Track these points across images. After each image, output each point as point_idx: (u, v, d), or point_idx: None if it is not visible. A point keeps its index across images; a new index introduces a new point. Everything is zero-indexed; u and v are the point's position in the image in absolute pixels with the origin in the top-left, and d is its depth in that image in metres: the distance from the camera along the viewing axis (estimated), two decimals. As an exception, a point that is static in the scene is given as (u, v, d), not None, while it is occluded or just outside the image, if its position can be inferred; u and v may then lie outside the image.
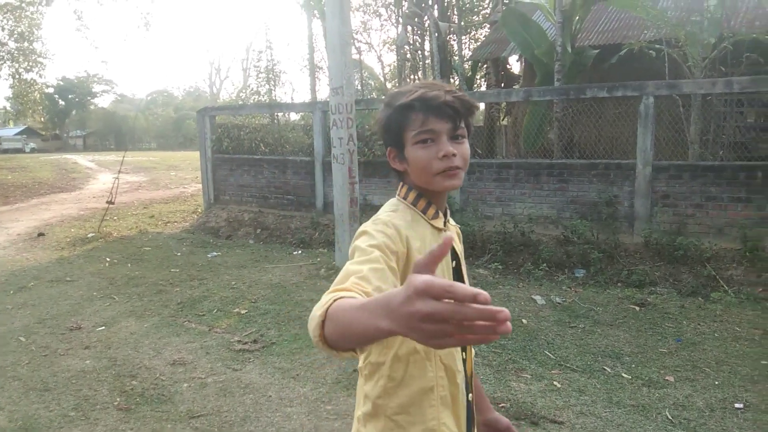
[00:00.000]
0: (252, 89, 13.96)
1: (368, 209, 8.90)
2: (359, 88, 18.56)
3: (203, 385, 3.96)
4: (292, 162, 10.39)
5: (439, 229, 1.32)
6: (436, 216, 1.31)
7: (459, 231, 1.46)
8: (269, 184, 10.76)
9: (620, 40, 9.99)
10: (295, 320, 5.26)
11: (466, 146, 1.27)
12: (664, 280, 6.12)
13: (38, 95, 26.91)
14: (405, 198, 1.31)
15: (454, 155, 1.22)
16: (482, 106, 11.61)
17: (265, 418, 3.47)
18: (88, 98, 63.79)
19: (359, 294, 0.94)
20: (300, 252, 8.32)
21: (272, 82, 13.34)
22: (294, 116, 14.25)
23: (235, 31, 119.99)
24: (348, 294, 0.91)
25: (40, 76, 25.36)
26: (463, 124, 1.25)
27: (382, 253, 1.12)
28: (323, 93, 16.90)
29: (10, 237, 9.92)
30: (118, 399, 3.75)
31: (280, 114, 13.17)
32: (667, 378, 3.90)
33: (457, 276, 1.33)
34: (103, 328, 5.16)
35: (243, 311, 5.57)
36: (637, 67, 8.75)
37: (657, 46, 8.06)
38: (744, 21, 8.87)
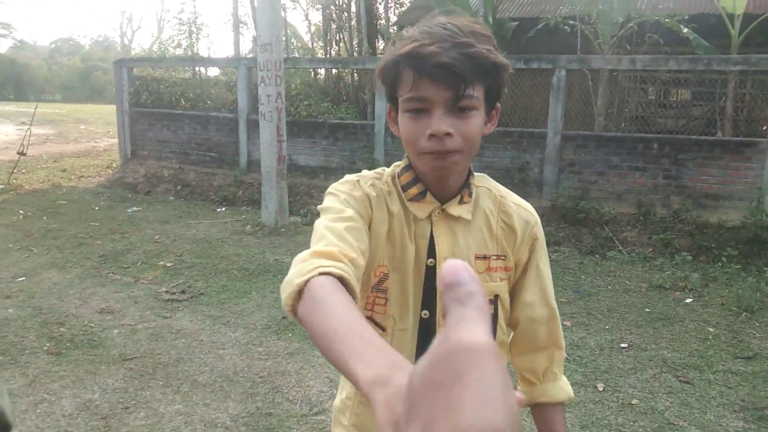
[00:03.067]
0: (172, 41, 13.49)
1: (293, 169, 9.00)
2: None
3: (134, 331, 4.06)
4: (215, 118, 10.26)
5: (417, 217, 1.07)
6: (419, 198, 1.07)
7: (499, 222, 1.12)
8: (190, 140, 10.58)
9: (538, 13, 10.45)
10: (222, 273, 5.38)
11: (473, 122, 0.98)
12: (567, 240, 6.68)
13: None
14: (399, 167, 1.11)
15: (447, 135, 0.95)
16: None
17: (199, 359, 3.64)
18: (-17, 42, 58.65)
19: (347, 264, 0.83)
20: (224, 209, 8.34)
21: (194, 35, 12.96)
22: (215, 71, 13.94)
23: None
24: (335, 266, 0.79)
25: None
26: (472, 92, 0.95)
27: (354, 212, 1.01)
28: (246, 49, 16.54)
29: None
30: (47, 344, 3.79)
31: (202, 68, 12.86)
32: (565, 323, 4.37)
33: (429, 281, 1.08)
34: (24, 278, 5.08)
35: (169, 264, 5.62)
36: (553, 40, 9.24)
37: (571, 21, 8.54)
38: (649, 3, 9.53)
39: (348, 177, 1.10)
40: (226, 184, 9.36)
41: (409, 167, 1.09)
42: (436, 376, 0.31)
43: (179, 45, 13.00)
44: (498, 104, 1.06)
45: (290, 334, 4.02)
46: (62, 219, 7.36)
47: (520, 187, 7.38)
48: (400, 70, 0.98)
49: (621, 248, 6.33)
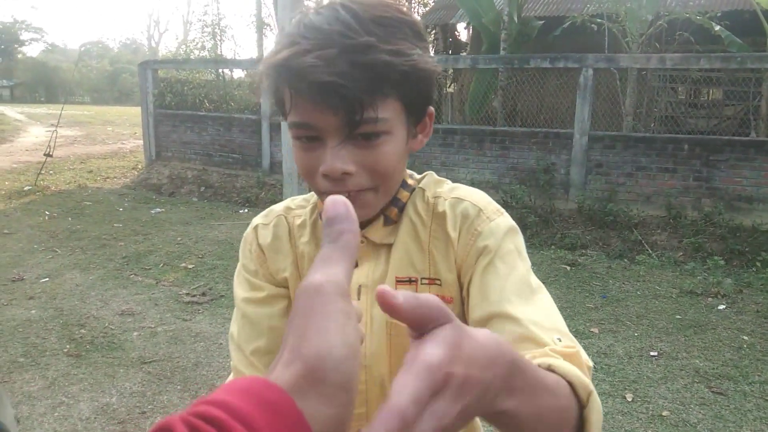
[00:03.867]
0: (197, 43, 13.60)
1: (315, 170, 8.96)
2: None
3: (153, 334, 4.04)
4: (238, 120, 10.28)
5: (372, 242, 0.84)
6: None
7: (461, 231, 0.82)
8: (214, 141, 10.62)
9: (564, 12, 10.28)
10: (243, 275, 5.34)
11: (384, 150, 0.73)
12: (594, 243, 6.52)
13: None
14: None
15: (346, 174, 0.72)
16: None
17: (217, 363, 3.60)
18: (15, 46, 60.09)
19: None
20: (246, 210, 8.34)
21: (218, 37, 13.04)
22: (238, 73, 14.01)
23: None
24: None
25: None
26: (375, 113, 0.70)
27: (252, 304, 0.86)
28: (269, 50, 16.60)
29: (-64, 188, 9.47)
30: (67, 346, 3.79)
31: (225, 70, 12.93)
32: (592, 330, 4.24)
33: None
34: (47, 279, 5.11)
35: (190, 266, 5.61)
36: (579, 39, 9.07)
37: (598, 20, 8.37)
38: (679, 1, 9.29)
39: (248, 229, 0.93)
40: (248, 185, 9.37)
41: None
42: (296, 311, 0.36)
43: (203, 47, 13.10)
44: (430, 108, 0.80)
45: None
46: (87, 220, 7.42)
47: (546, 189, 7.23)
48: (279, 85, 0.74)
49: (650, 252, 6.16)
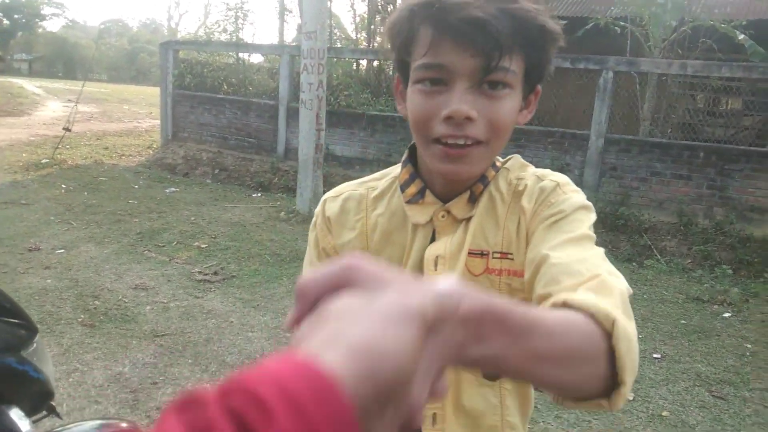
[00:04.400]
0: (219, 26, 13.64)
1: (329, 159, 9.02)
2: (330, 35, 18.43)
3: (166, 308, 4.12)
4: (256, 104, 10.34)
5: (417, 224, 0.86)
6: (417, 199, 0.86)
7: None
8: (230, 124, 10.69)
9: (588, 13, 10.24)
10: (254, 257, 5.42)
11: (505, 104, 0.75)
12: (604, 245, 6.48)
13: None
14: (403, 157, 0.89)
15: (468, 118, 0.73)
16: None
17: (227, 340, 3.68)
18: (36, 20, 60.39)
19: None
20: (259, 194, 8.42)
21: (240, 21, 13.08)
22: (258, 58, 14.04)
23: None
24: None
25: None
26: (509, 63, 0.72)
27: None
28: (290, 37, 16.64)
29: (-44, 156, 9.62)
30: (81, 316, 3.88)
31: (245, 54, 12.98)
32: (597, 329, 4.28)
33: None
34: (63, 251, 5.20)
35: (203, 245, 5.69)
36: (601, 42, 9.04)
37: (622, 23, 8.34)
38: (704, 7, 9.24)
39: (318, 205, 0.95)
40: (262, 170, 9.43)
41: (408, 160, 0.88)
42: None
43: (224, 30, 13.14)
44: (539, 87, 0.82)
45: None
46: (102, 195, 7.52)
47: (558, 189, 7.23)
48: (414, 26, 0.74)
49: (659, 257, 6.17)
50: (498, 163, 0.88)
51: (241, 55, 12.71)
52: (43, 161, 9.47)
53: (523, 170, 0.88)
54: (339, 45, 15.57)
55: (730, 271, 5.69)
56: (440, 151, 0.75)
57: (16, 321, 1.29)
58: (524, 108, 0.82)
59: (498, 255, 0.83)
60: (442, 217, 0.84)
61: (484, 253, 0.83)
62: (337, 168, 9.16)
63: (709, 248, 6.14)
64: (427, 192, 0.85)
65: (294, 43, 13.71)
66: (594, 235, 0.79)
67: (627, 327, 0.54)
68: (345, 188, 0.94)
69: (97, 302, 4.12)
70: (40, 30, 61.13)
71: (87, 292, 4.28)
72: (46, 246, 5.30)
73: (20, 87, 29.65)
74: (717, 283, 5.40)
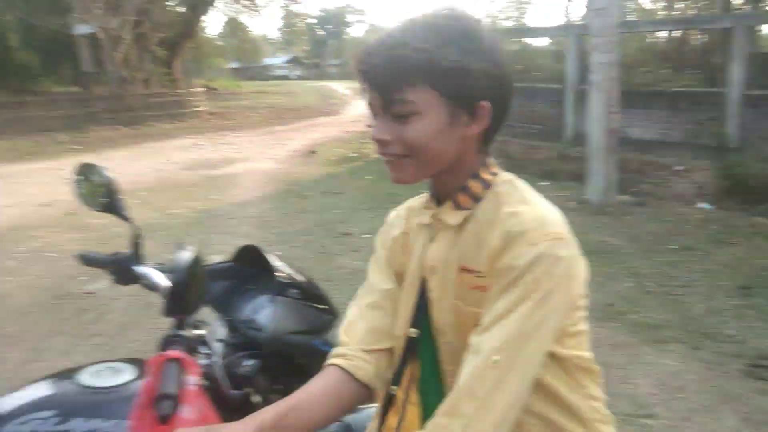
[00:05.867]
0: (502, 14, 13.74)
1: (624, 143, 8.35)
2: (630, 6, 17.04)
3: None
4: (541, 90, 10.14)
5: (420, 223, 1.05)
6: (429, 205, 1.03)
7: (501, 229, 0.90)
8: (515, 112, 10.65)
9: None
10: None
11: (415, 127, 0.89)
12: None
13: (303, 26, 29.62)
14: None
15: (381, 141, 0.91)
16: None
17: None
18: (343, 28, 68.67)
19: (355, 356, 1.00)
20: (546, 183, 8.21)
21: (523, 6, 12.96)
22: (542, 42, 13.74)
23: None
24: (343, 360, 1.01)
25: (306, 7, 27.84)
26: (406, 95, 0.87)
27: (379, 280, 1.09)
28: (577, 16, 15.90)
29: (287, 152, 11.46)
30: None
31: (529, 39, 12.81)
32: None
33: (422, 296, 1.00)
34: (369, 235, 5.77)
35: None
36: None
37: None
38: None
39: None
40: (549, 157, 9.19)
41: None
42: None
43: (508, 18, 13.15)
44: (482, 103, 0.90)
45: (617, 324, 3.74)
46: (401, 186, 8.15)
47: None
48: None
49: None
50: (487, 176, 0.97)
51: (524, 40, 12.58)
52: (352, 155, 10.69)
53: (511, 197, 0.94)
54: (632, 18, 14.34)
55: None
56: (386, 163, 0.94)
57: (323, 307, 1.43)
58: (471, 123, 0.92)
59: (477, 273, 0.91)
60: (436, 219, 0.99)
61: (473, 270, 0.92)
62: (633, 153, 8.44)
63: None
64: (429, 196, 1.02)
65: (581, 22, 13.06)
66: (549, 290, 0.83)
67: None
68: (398, 211, 1.18)
69: (397, 286, 4.47)
70: (346, 36, 69.32)
71: (389, 276, 4.68)
72: (356, 231, 5.93)
73: (332, 89, 34.05)
74: None
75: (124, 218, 1.30)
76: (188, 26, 21.72)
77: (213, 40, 30.93)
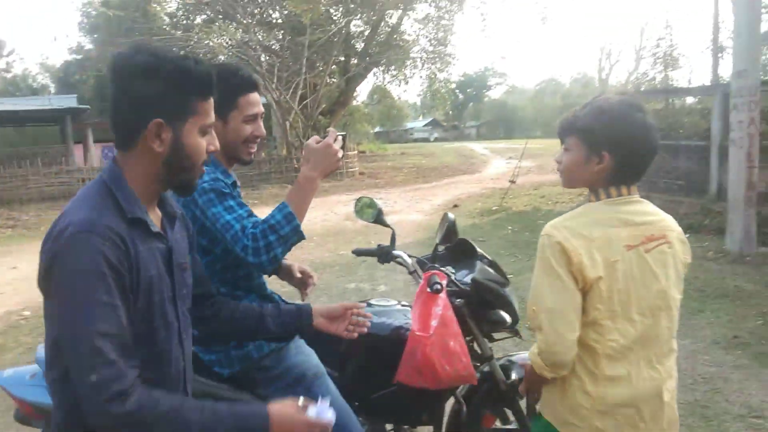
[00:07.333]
0: (645, 75, 14.04)
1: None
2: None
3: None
4: (685, 147, 10.32)
5: None
6: None
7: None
8: (659, 168, 10.85)
9: None
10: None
11: (566, 157, 1.71)
12: None
13: (446, 92, 31.19)
14: None
15: (558, 161, 1.80)
16: None
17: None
18: (484, 91, 70.22)
19: None
20: (688, 236, 8.37)
21: (669, 67, 13.20)
22: (690, 99, 13.76)
23: (628, 13, 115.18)
24: None
25: (450, 74, 29.41)
26: (566, 140, 1.73)
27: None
28: (726, 73, 15.69)
29: (432, 206, 12.50)
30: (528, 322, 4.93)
31: (674, 99, 12.96)
32: None
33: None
34: (512, 275, 6.46)
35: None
36: None
37: None
38: None
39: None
40: (692, 212, 9.33)
41: None
42: None
43: (653, 79, 13.44)
44: (604, 152, 1.60)
45: (740, 352, 4.14)
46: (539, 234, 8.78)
47: None
48: None
49: None
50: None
51: (670, 99, 12.77)
52: (493, 208, 11.47)
53: None
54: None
55: None
56: None
57: (502, 273, 2.27)
58: (598, 164, 1.63)
59: None
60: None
61: None
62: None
63: None
64: None
65: (726, 81, 13.01)
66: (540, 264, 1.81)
67: None
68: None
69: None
70: (485, 99, 70.72)
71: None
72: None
73: (471, 150, 35.11)
74: None
75: (387, 225, 2.28)
76: (344, 96, 24.12)
77: (362, 108, 33.52)
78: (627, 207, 1.61)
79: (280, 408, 1.21)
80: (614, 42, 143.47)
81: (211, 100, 1.28)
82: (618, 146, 1.55)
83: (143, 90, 1.19)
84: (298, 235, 1.69)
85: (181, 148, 1.24)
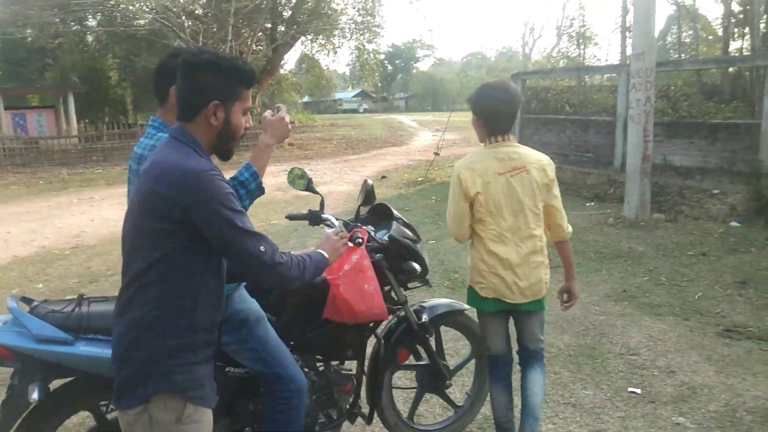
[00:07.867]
0: (562, 53, 14.81)
1: (667, 169, 9.25)
2: (688, 41, 17.77)
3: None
4: (594, 122, 11.11)
5: None
6: None
7: None
8: (570, 142, 11.66)
9: None
10: (578, 254, 6.29)
11: None
12: None
13: (375, 63, 31.35)
14: None
15: None
16: None
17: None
18: (412, 63, 70.61)
19: None
20: (593, 204, 9.19)
21: (582, 46, 14.00)
22: (599, 78, 14.67)
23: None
24: None
25: (378, 45, 29.59)
26: None
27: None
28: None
29: (360, 178, 12.83)
30: (446, 282, 5.40)
31: (586, 76, 13.80)
32: None
33: None
34: (434, 241, 6.97)
35: (537, 243, 6.82)
36: None
37: None
38: None
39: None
40: (598, 182, 10.14)
41: None
42: None
43: (566, 56, 14.21)
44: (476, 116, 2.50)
45: (626, 303, 4.78)
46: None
47: None
48: None
49: None
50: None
51: (582, 76, 13.58)
52: (419, 179, 11.96)
53: None
54: (701, 50, 15.07)
55: None
56: None
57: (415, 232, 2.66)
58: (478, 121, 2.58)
59: None
60: None
61: None
62: (675, 178, 9.29)
63: None
64: None
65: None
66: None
67: None
68: None
69: (456, 275, 5.63)
70: (414, 71, 71.19)
71: (450, 268, 5.84)
72: (423, 239, 7.12)
73: (399, 122, 35.56)
74: None
75: (316, 192, 2.59)
76: (271, 65, 23.86)
77: (290, 76, 33.15)
78: (500, 149, 2.46)
79: (322, 244, 1.98)
80: (538, 17, 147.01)
81: (250, 90, 1.73)
82: (482, 112, 2.49)
83: (207, 80, 1.61)
84: (260, 190, 2.05)
85: (230, 123, 1.67)
